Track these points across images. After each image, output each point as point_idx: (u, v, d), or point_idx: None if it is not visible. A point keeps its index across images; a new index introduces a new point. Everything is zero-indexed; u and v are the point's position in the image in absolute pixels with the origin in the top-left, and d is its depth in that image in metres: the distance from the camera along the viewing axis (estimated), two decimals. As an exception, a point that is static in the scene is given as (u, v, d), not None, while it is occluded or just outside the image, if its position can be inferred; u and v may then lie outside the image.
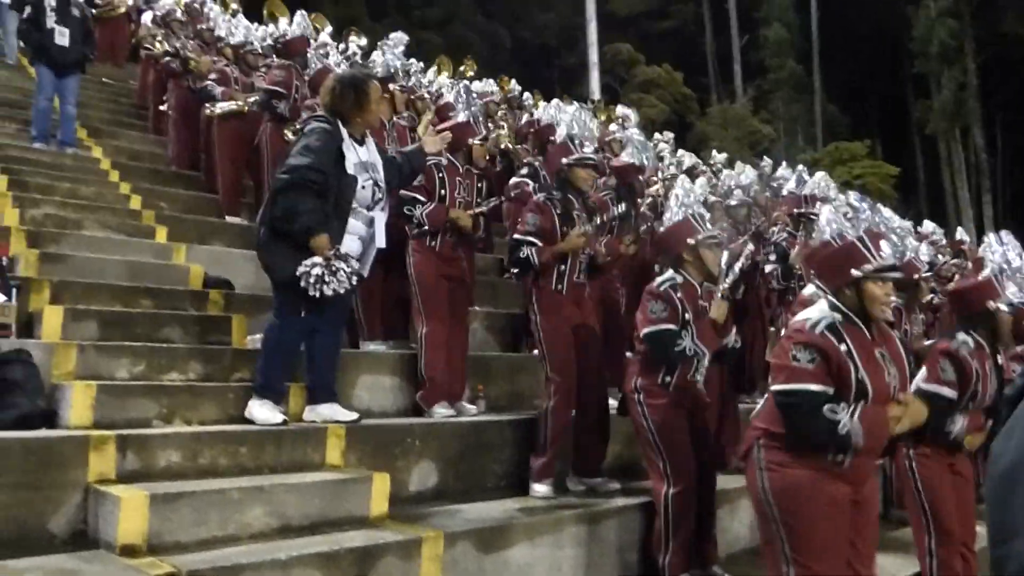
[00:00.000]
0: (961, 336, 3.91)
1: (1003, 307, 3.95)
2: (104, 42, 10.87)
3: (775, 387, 2.95)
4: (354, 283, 3.95)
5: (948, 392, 3.80)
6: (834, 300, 3.01)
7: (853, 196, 3.22)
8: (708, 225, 4.24)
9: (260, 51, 8.23)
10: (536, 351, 4.88)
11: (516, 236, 4.66)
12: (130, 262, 5.53)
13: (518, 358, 5.71)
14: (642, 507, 4.37)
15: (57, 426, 3.63)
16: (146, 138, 9.62)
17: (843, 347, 2.88)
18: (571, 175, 4.77)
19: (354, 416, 4.14)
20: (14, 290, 4.39)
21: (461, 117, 5.36)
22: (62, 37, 8.05)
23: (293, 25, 7.80)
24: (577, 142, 4.88)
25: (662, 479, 4.07)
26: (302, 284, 3.80)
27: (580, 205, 4.78)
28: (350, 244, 4.08)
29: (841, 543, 2.95)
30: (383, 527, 3.61)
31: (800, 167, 8.82)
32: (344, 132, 4.07)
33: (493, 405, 5.31)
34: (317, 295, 3.81)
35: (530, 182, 6.21)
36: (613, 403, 5.60)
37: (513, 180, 6.40)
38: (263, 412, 3.94)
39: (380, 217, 4.28)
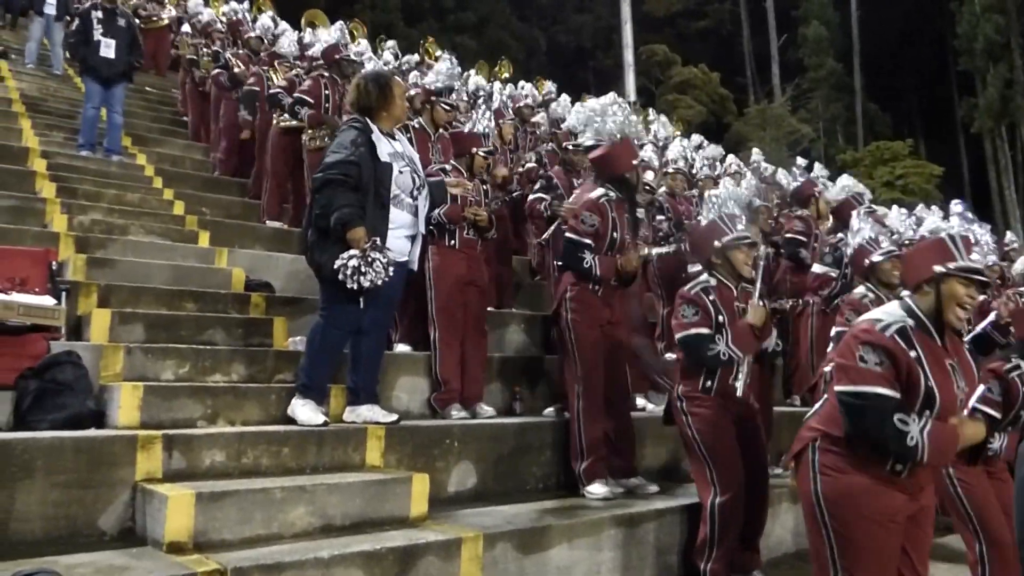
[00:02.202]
0: (1015, 360, 3.84)
1: None
2: (147, 52, 11.13)
3: (840, 388, 2.80)
4: (391, 274, 3.93)
5: (992, 411, 3.76)
6: (910, 303, 2.89)
7: (956, 204, 3.15)
8: (739, 226, 4.17)
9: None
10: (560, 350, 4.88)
11: (572, 236, 4.59)
12: (174, 266, 5.65)
13: (555, 360, 5.70)
14: (682, 510, 4.34)
15: (106, 426, 3.72)
16: (188, 145, 9.83)
17: (913, 353, 2.74)
18: (638, 178, 4.76)
19: (394, 417, 4.18)
20: (63, 294, 4.50)
21: (478, 127, 5.58)
22: (107, 49, 8.24)
23: (327, 34, 7.92)
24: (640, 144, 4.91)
25: (709, 487, 4.00)
26: (339, 277, 3.83)
27: (630, 208, 4.75)
28: (397, 243, 4.10)
29: (893, 555, 2.83)
30: (423, 527, 3.63)
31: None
32: (374, 127, 4.14)
33: (531, 407, 5.33)
34: (355, 287, 3.83)
35: (545, 197, 6.18)
36: (643, 403, 5.63)
37: (531, 198, 6.38)
38: (305, 413, 3.98)
39: (423, 207, 4.33)
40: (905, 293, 3.00)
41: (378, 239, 3.94)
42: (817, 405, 3.06)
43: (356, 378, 4.20)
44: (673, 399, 4.15)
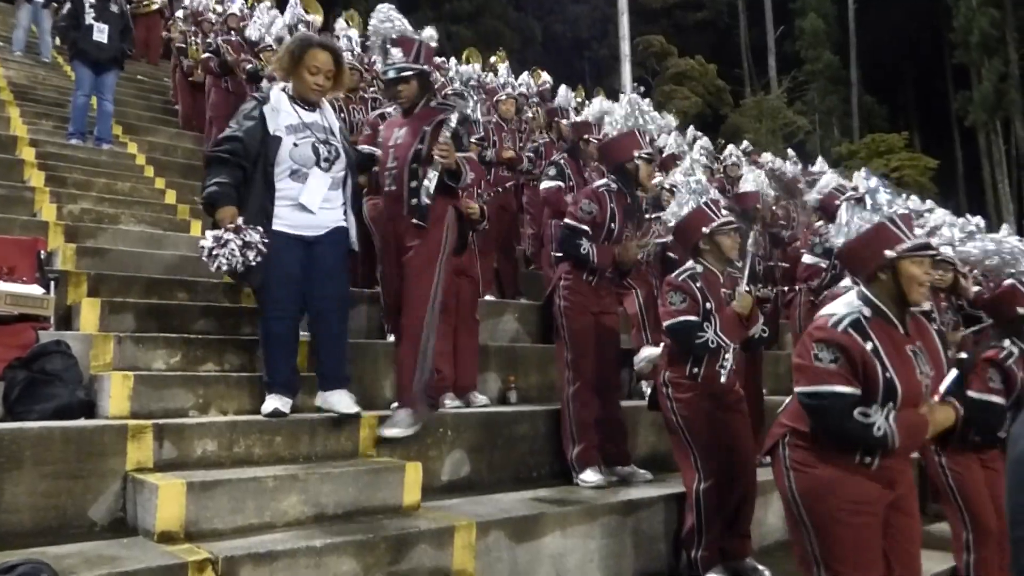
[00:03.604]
0: (1007, 344, 3.88)
1: None
2: (138, 39, 11.06)
3: (798, 389, 2.81)
4: (250, 257, 3.64)
5: (998, 399, 3.76)
6: (866, 291, 2.85)
7: (870, 180, 3.08)
8: (723, 212, 4.18)
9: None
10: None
11: (570, 222, 4.61)
12: (166, 255, 5.62)
13: (550, 349, 5.68)
14: (674, 498, 4.34)
15: (96, 416, 3.70)
16: (179, 134, 9.77)
17: (869, 345, 2.71)
18: (638, 169, 4.70)
19: (355, 410, 3.89)
20: (52, 283, 4.47)
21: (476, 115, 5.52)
22: (100, 34, 8.17)
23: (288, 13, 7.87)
24: (647, 136, 4.82)
25: (693, 473, 4.02)
26: (203, 259, 3.68)
27: (632, 199, 4.74)
28: (302, 217, 3.83)
29: (874, 546, 2.81)
30: (416, 516, 3.62)
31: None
32: (278, 96, 3.88)
33: (525, 396, 5.32)
34: (214, 269, 3.67)
35: (560, 183, 6.16)
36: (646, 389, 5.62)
37: (544, 185, 6.34)
38: (265, 405, 3.83)
39: (338, 177, 3.97)
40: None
41: (241, 220, 3.66)
42: (787, 401, 3.05)
43: (318, 365, 4.01)
44: (659, 385, 4.14)
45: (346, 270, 4.02)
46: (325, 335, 3.94)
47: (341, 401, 3.89)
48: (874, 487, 2.80)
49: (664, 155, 7.33)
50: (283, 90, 3.93)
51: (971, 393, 3.76)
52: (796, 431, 2.88)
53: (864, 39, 31.52)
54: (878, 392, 2.70)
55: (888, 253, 2.78)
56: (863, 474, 2.78)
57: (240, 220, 3.67)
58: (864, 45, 31.56)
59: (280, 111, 3.84)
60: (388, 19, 4.25)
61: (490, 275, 6.60)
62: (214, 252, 3.60)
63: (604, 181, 4.74)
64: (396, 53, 4.17)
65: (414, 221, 3.98)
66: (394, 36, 4.17)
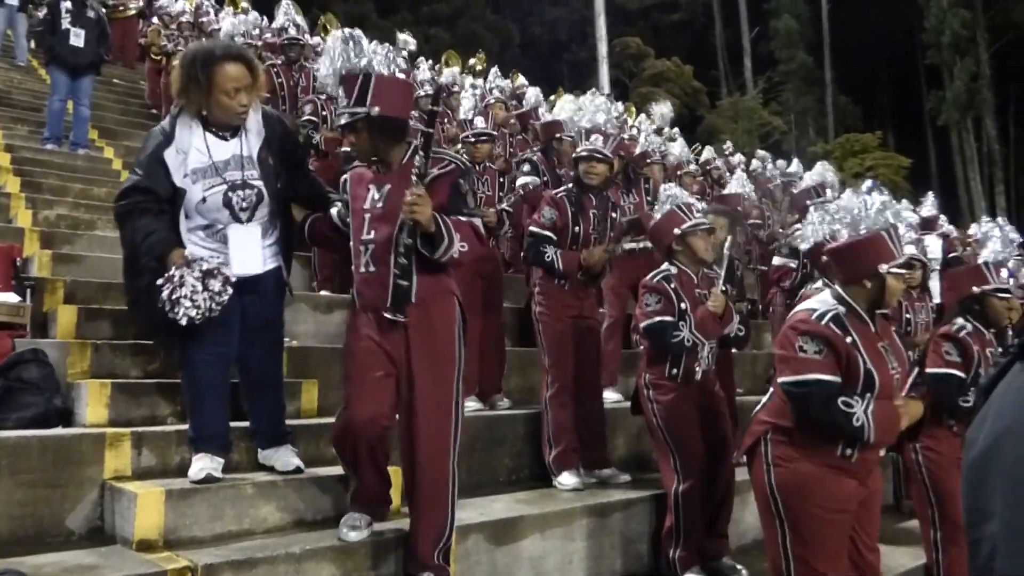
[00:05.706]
0: (960, 320, 3.98)
1: (989, 290, 4.03)
2: (115, 43, 10.99)
3: (783, 379, 2.90)
4: (216, 288, 3.17)
5: (958, 372, 3.85)
6: (842, 292, 2.97)
7: (867, 185, 3.17)
8: (695, 215, 4.26)
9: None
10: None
11: (534, 229, 4.68)
12: (143, 261, 5.57)
13: (530, 352, 5.72)
14: (652, 499, 4.38)
15: (73, 424, 3.68)
16: (157, 138, 9.70)
17: (849, 339, 2.84)
18: (577, 169, 4.77)
19: (295, 465, 3.54)
20: (28, 290, 4.45)
21: (461, 115, 5.54)
22: (77, 38, 8.13)
23: (280, 17, 7.85)
24: (585, 136, 4.79)
25: (673, 475, 4.07)
26: (164, 307, 3.14)
27: (597, 202, 4.77)
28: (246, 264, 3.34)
29: (843, 542, 2.93)
30: (396, 520, 3.63)
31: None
32: (193, 130, 3.31)
33: (505, 399, 5.34)
34: (181, 319, 3.13)
35: (536, 179, 6.21)
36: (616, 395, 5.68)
37: (520, 180, 6.38)
38: (194, 468, 3.32)
39: (268, 221, 3.43)
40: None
41: (203, 261, 3.20)
42: (765, 398, 3.13)
43: (254, 420, 3.65)
44: (640, 387, 4.22)
45: (282, 314, 3.64)
46: (260, 387, 3.58)
47: (282, 458, 3.56)
48: (851, 484, 2.91)
49: (637, 153, 7.31)
50: (196, 115, 3.32)
51: (929, 370, 3.88)
52: (778, 427, 2.96)
53: (838, 40, 31.86)
54: (858, 382, 2.83)
55: (881, 268, 2.91)
56: (843, 470, 2.89)
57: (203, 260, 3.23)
58: (838, 46, 31.91)
59: (189, 151, 3.27)
60: (344, 47, 3.20)
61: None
62: (174, 296, 3.10)
63: (566, 186, 4.82)
64: (340, 94, 3.24)
65: (388, 315, 3.11)
66: (343, 72, 3.20)
